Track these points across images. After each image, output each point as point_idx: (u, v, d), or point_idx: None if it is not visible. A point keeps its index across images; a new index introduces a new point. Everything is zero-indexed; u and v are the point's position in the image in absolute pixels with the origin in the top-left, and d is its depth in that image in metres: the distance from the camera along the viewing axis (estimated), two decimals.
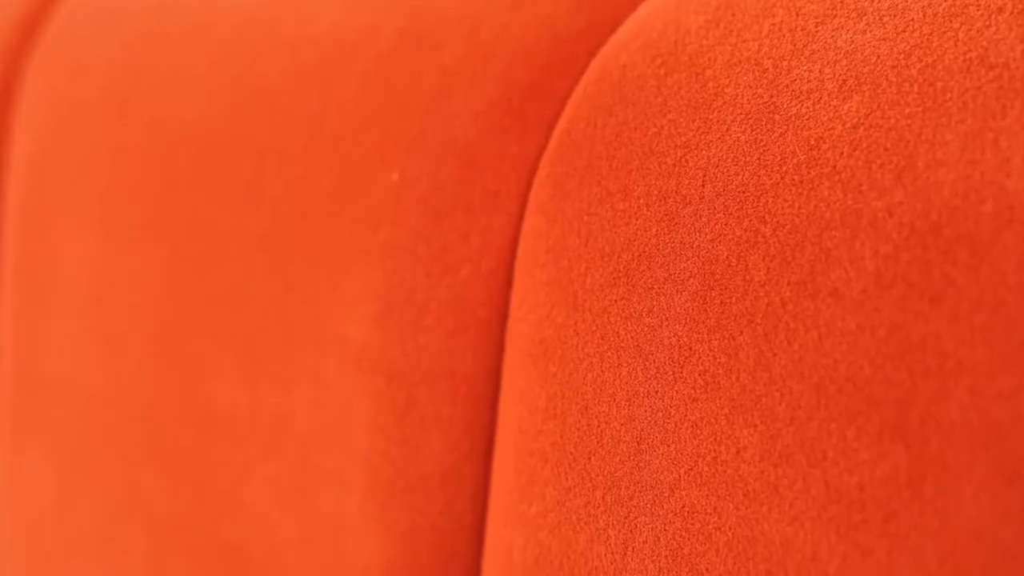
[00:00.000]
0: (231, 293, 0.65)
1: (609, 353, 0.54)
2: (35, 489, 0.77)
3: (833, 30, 0.47)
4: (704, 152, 0.49)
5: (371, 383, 0.80)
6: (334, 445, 0.71)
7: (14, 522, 0.76)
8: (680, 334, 0.50)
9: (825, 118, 0.45)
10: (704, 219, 0.49)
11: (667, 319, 0.51)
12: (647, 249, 0.50)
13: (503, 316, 0.69)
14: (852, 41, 0.46)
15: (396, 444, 0.79)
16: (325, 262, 0.62)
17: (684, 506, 0.50)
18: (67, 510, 0.73)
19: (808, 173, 0.45)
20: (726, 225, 0.47)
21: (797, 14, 0.48)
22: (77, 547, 0.72)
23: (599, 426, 0.66)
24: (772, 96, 0.47)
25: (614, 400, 0.53)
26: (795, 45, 0.47)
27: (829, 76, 0.46)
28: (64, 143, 0.76)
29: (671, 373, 0.51)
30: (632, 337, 0.53)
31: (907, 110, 0.44)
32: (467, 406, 0.81)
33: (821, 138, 0.45)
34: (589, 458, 0.55)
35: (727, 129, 0.48)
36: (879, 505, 0.42)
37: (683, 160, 0.49)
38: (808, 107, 0.46)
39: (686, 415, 0.49)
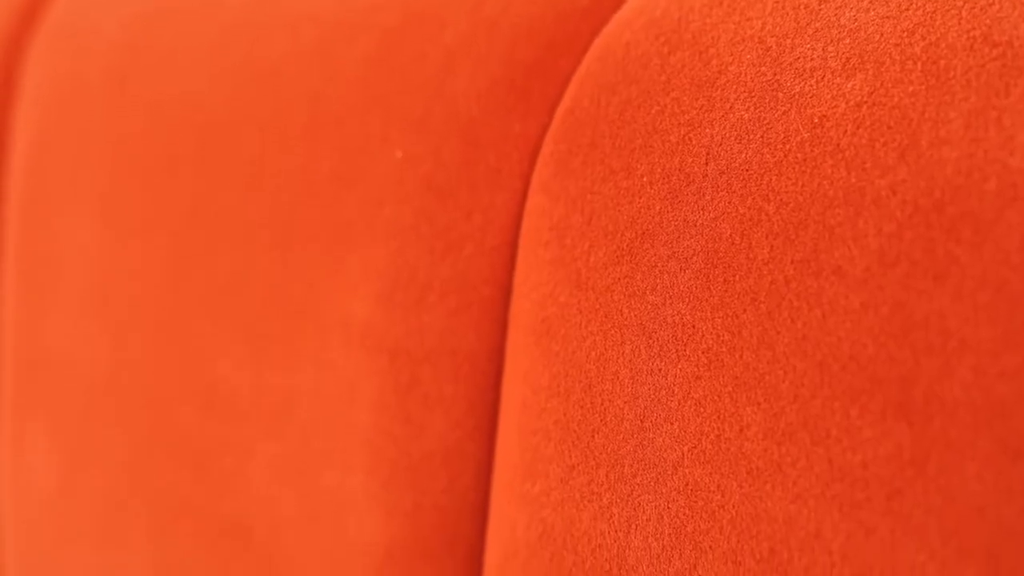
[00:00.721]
0: (234, 273, 0.65)
1: (612, 331, 0.54)
2: (39, 470, 0.77)
3: (836, 8, 0.47)
4: (707, 130, 0.49)
5: (374, 362, 0.81)
6: (337, 424, 0.72)
7: (18, 503, 0.77)
8: (683, 312, 0.50)
9: (828, 96, 0.45)
10: (708, 197, 0.49)
11: (670, 297, 0.51)
12: (650, 227, 0.50)
13: (506, 294, 0.69)
14: (855, 19, 0.46)
15: (399, 423, 0.79)
16: (328, 241, 0.63)
17: (687, 484, 0.50)
18: (71, 491, 0.74)
19: (811, 151, 0.45)
20: (729, 203, 0.47)
21: None
22: (81, 527, 0.72)
23: (602, 404, 0.66)
24: (775, 74, 0.47)
25: (617, 378, 0.53)
26: (798, 23, 0.47)
27: (832, 54, 0.46)
28: (66, 125, 0.76)
29: (674, 351, 0.52)
30: (635, 315, 0.53)
31: (910, 88, 0.44)
32: (470, 384, 0.81)
33: (824, 116, 0.45)
34: (592, 436, 0.55)
35: (730, 107, 0.48)
36: (882, 483, 0.42)
37: (686, 138, 0.49)
38: (811, 85, 0.46)
39: (689, 393, 0.49)
